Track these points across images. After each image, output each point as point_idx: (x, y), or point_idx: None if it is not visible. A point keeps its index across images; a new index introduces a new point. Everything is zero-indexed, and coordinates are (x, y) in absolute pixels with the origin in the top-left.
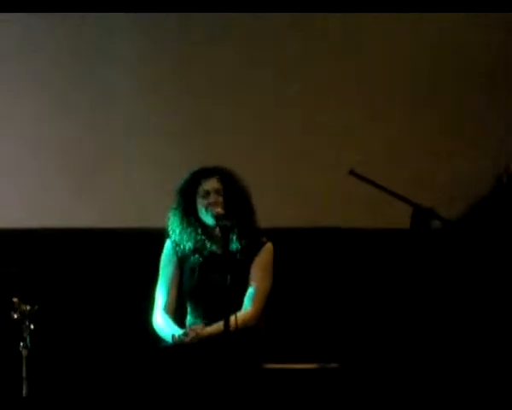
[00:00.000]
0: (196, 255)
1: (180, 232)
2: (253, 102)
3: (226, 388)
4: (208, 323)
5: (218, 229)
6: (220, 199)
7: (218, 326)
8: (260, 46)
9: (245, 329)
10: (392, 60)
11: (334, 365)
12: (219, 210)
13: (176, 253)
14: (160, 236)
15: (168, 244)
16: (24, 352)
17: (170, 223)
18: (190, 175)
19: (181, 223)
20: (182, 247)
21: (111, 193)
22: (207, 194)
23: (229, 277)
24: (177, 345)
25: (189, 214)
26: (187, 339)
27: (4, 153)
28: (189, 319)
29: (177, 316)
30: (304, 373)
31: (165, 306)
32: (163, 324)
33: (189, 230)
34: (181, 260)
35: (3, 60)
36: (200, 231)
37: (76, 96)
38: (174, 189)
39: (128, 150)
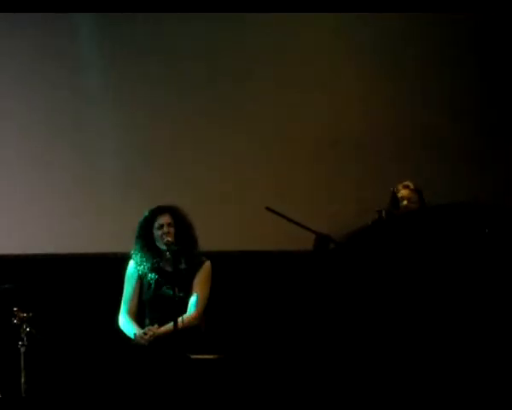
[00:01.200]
0: (153, 273)
1: (140, 255)
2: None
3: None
4: (161, 325)
5: (168, 253)
6: (171, 230)
7: (169, 326)
8: None
9: (189, 328)
10: None
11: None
12: (170, 239)
13: (137, 270)
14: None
15: (131, 263)
16: (22, 349)
17: (133, 248)
18: (149, 211)
19: (141, 248)
20: (141, 266)
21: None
22: (161, 226)
23: (176, 289)
24: (140, 345)
25: (147, 242)
26: (146, 337)
27: None
28: (146, 322)
29: (138, 319)
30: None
31: (128, 310)
32: (126, 324)
33: (147, 254)
34: (140, 277)
35: None
36: (155, 254)
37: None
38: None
39: None
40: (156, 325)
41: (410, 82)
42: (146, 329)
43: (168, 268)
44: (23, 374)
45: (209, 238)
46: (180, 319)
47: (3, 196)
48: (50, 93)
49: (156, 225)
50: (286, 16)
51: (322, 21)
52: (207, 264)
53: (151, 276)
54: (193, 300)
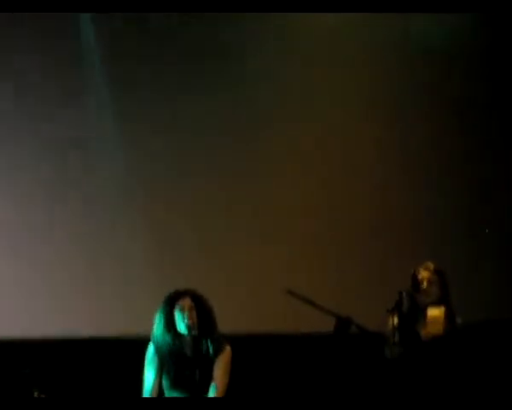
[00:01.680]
0: (173, 357)
1: (161, 339)
2: None
3: None
4: None
5: (189, 338)
6: (193, 314)
7: None
8: None
9: None
10: None
11: None
12: (192, 322)
13: (157, 353)
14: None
15: (151, 348)
16: None
17: (154, 331)
18: (170, 294)
19: (162, 332)
20: (162, 350)
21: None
22: (183, 310)
23: (197, 373)
24: None
25: (168, 325)
26: None
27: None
28: None
29: None
30: None
31: (150, 394)
32: None
33: (167, 337)
34: (161, 359)
35: None
36: (176, 338)
37: None
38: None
39: None
40: None
41: None
42: None
43: (189, 353)
44: None
45: (227, 320)
46: None
47: (21, 281)
48: None
49: (177, 308)
50: None
51: None
52: (228, 349)
53: (171, 360)
54: (213, 387)
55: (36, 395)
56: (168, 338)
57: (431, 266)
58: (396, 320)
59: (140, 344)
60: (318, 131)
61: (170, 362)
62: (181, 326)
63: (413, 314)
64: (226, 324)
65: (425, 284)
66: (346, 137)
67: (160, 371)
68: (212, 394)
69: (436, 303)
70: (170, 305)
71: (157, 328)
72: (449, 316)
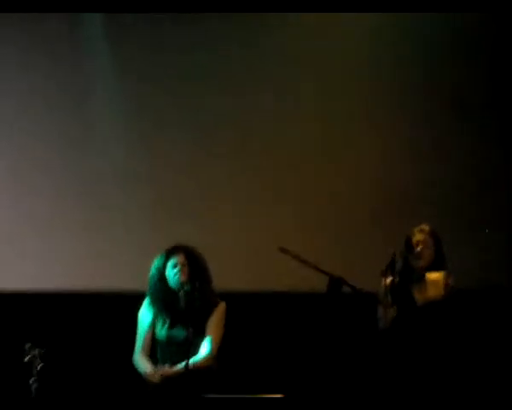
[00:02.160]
0: (166, 313)
1: (154, 295)
2: None
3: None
4: (174, 365)
5: (182, 292)
6: (186, 270)
7: (181, 367)
8: None
9: (201, 368)
10: None
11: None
12: (183, 278)
13: (151, 305)
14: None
15: (146, 301)
16: (34, 386)
17: (148, 284)
18: (164, 252)
19: (155, 287)
20: (155, 306)
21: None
22: (175, 265)
23: (190, 329)
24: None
25: (161, 281)
26: (157, 375)
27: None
28: (159, 361)
29: (152, 358)
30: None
31: (142, 349)
32: (139, 362)
33: (160, 293)
34: (154, 316)
35: None
36: (169, 294)
37: None
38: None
39: None
40: (168, 365)
41: None
42: (157, 367)
43: (181, 308)
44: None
45: (222, 278)
46: (193, 361)
47: (16, 230)
48: None
49: (170, 264)
50: None
51: None
52: (222, 305)
53: (164, 315)
54: (206, 341)
55: (27, 348)
56: (161, 292)
57: (426, 228)
58: (388, 282)
59: (136, 299)
60: None
61: (163, 315)
62: (173, 281)
63: (406, 277)
64: (219, 281)
65: (420, 246)
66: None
67: (153, 326)
68: (206, 345)
69: (433, 267)
70: (164, 260)
71: (151, 281)
72: (447, 281)
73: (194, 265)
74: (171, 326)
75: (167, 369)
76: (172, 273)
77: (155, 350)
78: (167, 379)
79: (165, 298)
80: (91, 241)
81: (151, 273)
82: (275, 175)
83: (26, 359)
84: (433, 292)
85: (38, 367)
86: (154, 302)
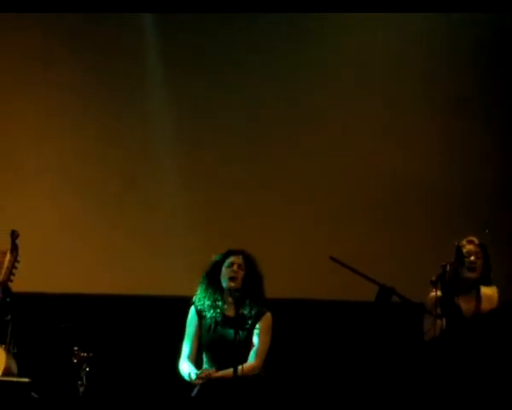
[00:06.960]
0: (212, 312)
1: (203, 291)
2: None
3: None
4: (219, 368)
5: (231, 297)
6: (241, 273)
7: (227, 371)
8: None
9: (249, 376)
10: None
11: None
12: (235, 284)
13: (198, 315)
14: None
15: (192, 308)
16: (81, 389)
17: (199, 288)
18: (224, 252)
19: (206, 283)
20: (202, 302)
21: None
22: (231, 264)
23: (239, 335)
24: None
25: (214, 278)
26: (200, 377)
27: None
28: (204, 367)
29: (198, 364)
30: None
31: (188, 355)
32: (186, 369)
33: (210, 289)
34: (201, 319)
35: None
36: (217, 292)
37: None
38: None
39: None
40: (214, 368)
41: None
42: (202, 370)
43: (230, 312)
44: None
45: (273, 285)
46: (240, 367)
47: (62, 236)
48: None
49: (227, 262)
50: None
51: None
52: (268, 315)
53: (210, 314)
54: (254, 349)
55: (76, 351)
56: (210, 290)
57: (475, 239)
58: (439, 293)
59: (183, 304)
60: None
61: (208, 317)
62: (225, 280)
63: (455, 288)
64: (270, 289)
65: (472, 257)
66: None
67: (200, 329)
68: (253, 354)
69: (483, 278)
70: (223, 256)
71: (203, 279)
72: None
73: (250, 271)
74: (217, 329)
75: (212, 371)
76: (227, 272)
77: (201, 358)
78: (211, 382)
79: (213, 294)
80: (139, 246)
81: (207, 269)
82: (325, 183)
83: (74, 361)
84: (487, 306)
85: (85, 370)
86: (201, 298)
